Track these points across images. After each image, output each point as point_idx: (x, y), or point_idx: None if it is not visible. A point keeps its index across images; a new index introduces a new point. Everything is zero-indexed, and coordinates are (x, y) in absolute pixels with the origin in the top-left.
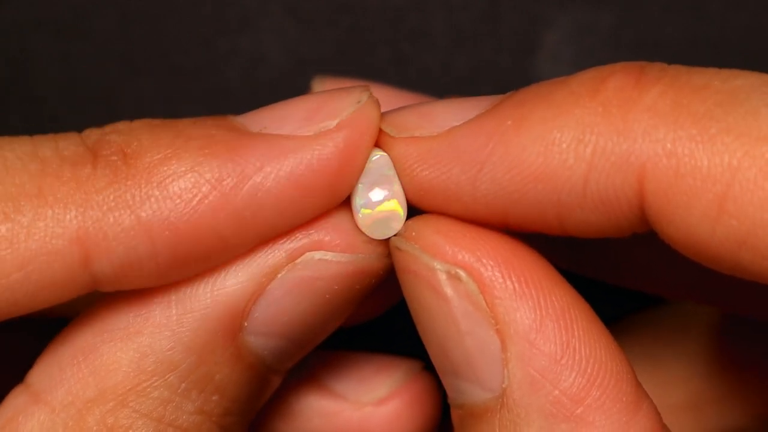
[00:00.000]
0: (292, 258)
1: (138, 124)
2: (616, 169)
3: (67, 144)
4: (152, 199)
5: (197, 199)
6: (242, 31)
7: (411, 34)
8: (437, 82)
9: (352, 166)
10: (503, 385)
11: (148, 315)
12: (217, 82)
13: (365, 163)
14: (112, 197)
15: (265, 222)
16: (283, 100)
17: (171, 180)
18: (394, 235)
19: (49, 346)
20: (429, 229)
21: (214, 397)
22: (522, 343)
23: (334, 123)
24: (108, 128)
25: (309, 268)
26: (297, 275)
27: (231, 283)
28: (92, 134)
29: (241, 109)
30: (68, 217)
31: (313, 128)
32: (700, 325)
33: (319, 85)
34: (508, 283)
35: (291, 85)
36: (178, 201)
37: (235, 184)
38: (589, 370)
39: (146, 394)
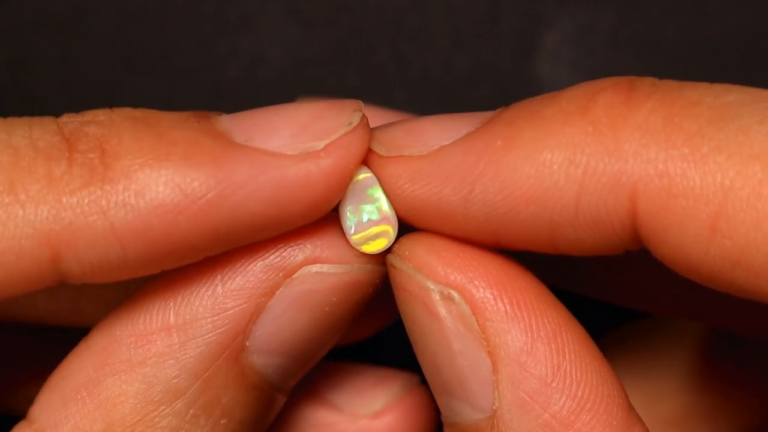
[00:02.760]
0: (288, 274)
1: (119, 116)
2: (608, 189)
3: (43, 132)
4: (128, 207)
5: (174, 212)
6: (242, 31)
7: (411, 34)
8: (437, 82)
9: (335, 190)
10: (494, 407)
11: (150, 345)
12: (217, 82)
13: (348, 185)
14: (86, 200)
15: (241, 236)
16: (283, 100)
17: (149, 189)
18: (390, 253)
19: (50, 380)
20: (422, 249)
21: (222, 421)
22: (513, 365)
23: (321, 144)
24: (87, 116)
25: (306, 282)
26: (295, 290)
27: (230, 305)
28: (70, 122)
29: (241, 109)
30: (39, 217)
31: (300, 147)
32: (689, 338)
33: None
34: (500, 304)
35: (291, 85)
36: (153, 213)
37: (215, 201)
38: (579, 394)
39: (155, 424)
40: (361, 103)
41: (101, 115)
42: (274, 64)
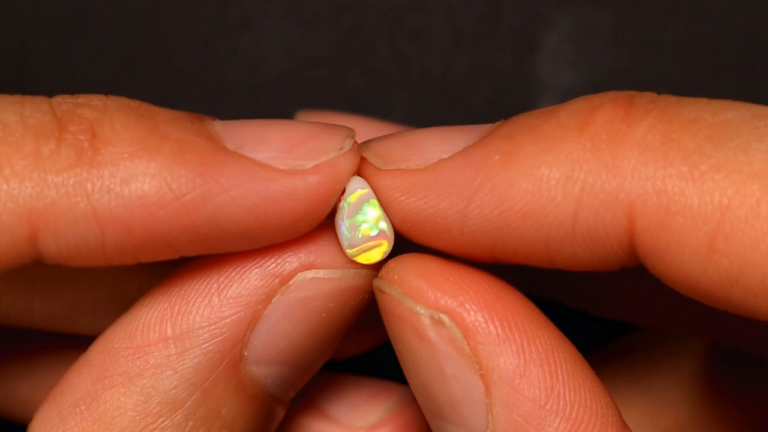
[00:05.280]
0: (284, 281)
1: (114, 103)
2: (606, 206)
3: (34, 111)
4: (112, 194)
5: (157, 205)
6: (242, 31)
7: (411, 34)
8: (437, 82)
9: (319, 208)
10: (488, 430)
11: (147, 356)
12: (217, 82)
13: (331, 207)
14: (71, 182)
15: (219, 241)
16: (283, 100)
17: (135, 180)
18: (378, 278)
19: (49, 395)
20: (411, 273)
21: None
22: (506, 389)
23: (310, 164)
24: (81, 99)
25: (303, 288)
26: (291, 297)
27: (227, 313)
28: (63, 103)
29: (241, 109)
30: (23, 194)
31: (289, 162)
32: (691, 349)
33: (302, 118)
34: (491, 327)
35: (291, 85)
36: (137, 203)
37: (199, 200)
38: (573, 415)
39: None
40: (354, 131)
41: (96, 99)
42: (274, 64)
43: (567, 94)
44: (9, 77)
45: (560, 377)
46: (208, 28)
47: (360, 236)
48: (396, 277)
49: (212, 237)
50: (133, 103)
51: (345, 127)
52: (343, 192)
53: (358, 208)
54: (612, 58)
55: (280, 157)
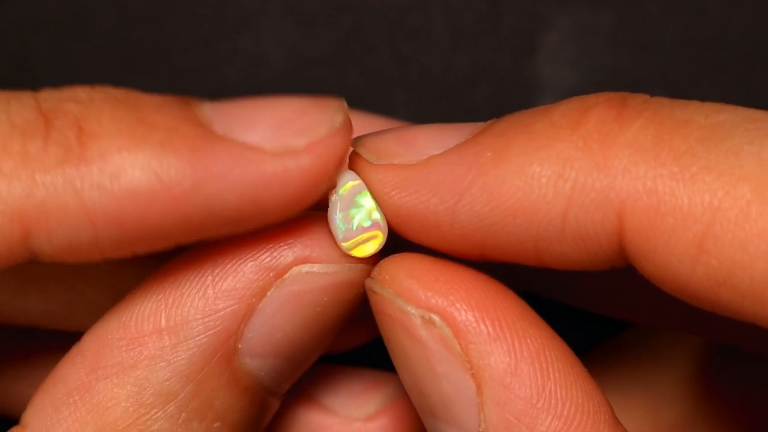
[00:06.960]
0: (279, 274)
1: (99, 95)
2: (596, 205)
3: (20, 108)
4: (102, 190)
5: (148, 198)
6: (242, 31)
7: (411, 34)
8: (437, 82)
9: (313, 189)
10: (480, 429)
11: (141, 348)
12: (217, 82)
13: (327, 187)
14: (60, 179)
15: (213, 228)
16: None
17: (125, 174)
18: (370, 278)
19: (42, 385)
20: (402, 273)
21: (215, 425)
22: (497, 387)
23: (302, 143)
24: (66, 93)
25: (297, 282)
26: (286, 291)
27: (221, 306)
28: (49, 98)
29: None
30: (12, 194)
31: (280, 143)
32: (689, 345)
33: None
34: (482, 327)
35: (291, 85)
36: (128, 197)
37: (190, 190)
38: (565, 413)
39: (147, 427)
40: (345, 103)
41: (81, 92)
42: (274, 64)
43: (567, 94)
44: (9, 77)
45: (551, 375)
46: (208, 28)
47: (354, 228)
48: (387, 277)
49: (206, 224)
50: (120, 93)
51: (335, 100)
52: (335, 185)
53: (350, 199)
54: (612, 58)
55: (270, 138)
